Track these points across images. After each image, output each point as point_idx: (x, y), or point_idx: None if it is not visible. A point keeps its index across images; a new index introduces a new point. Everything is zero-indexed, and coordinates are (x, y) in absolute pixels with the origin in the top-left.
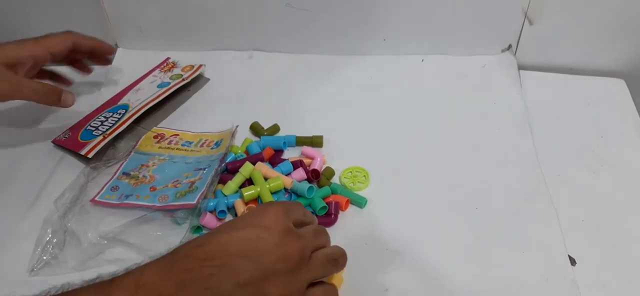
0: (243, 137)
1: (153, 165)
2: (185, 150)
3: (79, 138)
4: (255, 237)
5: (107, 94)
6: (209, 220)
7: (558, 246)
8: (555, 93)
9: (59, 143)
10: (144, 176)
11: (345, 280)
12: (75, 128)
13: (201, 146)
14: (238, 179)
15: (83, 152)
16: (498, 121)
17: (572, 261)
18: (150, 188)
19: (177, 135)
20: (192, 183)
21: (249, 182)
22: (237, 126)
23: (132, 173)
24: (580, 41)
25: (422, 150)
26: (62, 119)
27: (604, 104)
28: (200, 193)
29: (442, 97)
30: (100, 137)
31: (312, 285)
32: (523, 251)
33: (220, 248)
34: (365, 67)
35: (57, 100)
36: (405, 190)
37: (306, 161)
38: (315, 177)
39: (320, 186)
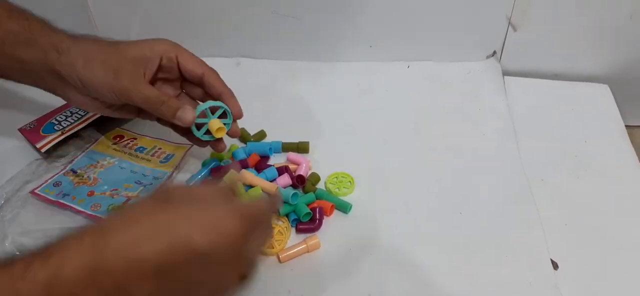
0: (229, 143)
1: (100, 167)
2: (136, 156)
3: (41, 131)
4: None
5: None
6: None
7: (541, 250)
8: (539, 99)
9: (23, 133)
10: (88, 177)
11: (330, 283)
12: (41, 119)
13: (153, 155)
14: None
15: (38, 145)
16: (483, 126)
17: (555, 265)
18: (89, 192)
19: (135, 138)
20: (128, 198)
21: None
22: (191, 146)
23: (79, 171)
24: (564, 47)
25: (408, 156)
26: (35, 108)
27: (587, 109)
28: None
29: (428, 103)
30: (59, 133)
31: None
32: (506, 255)
33: (150, 255)
34: (352, 73)
35: (171, 115)
36: (390, 195)
37: (292, 167)
38: (300, 182)
39: (305, 191)
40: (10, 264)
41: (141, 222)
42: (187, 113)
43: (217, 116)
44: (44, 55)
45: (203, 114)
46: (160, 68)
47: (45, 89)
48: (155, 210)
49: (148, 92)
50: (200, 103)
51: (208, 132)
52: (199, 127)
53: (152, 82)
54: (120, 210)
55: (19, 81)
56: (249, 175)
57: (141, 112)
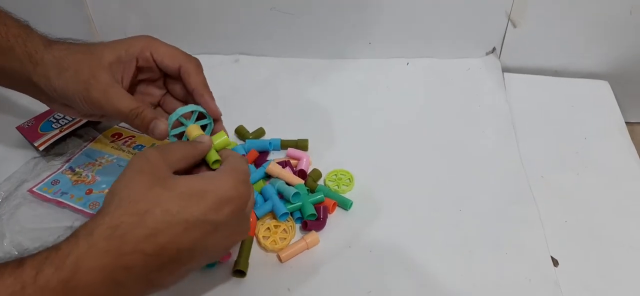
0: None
1: (99, 166)
2: (135, 154)
3: (39, 129)
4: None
5: None
6: None
7: (541, 247)
8: (539, 96)
9: (21, 131)
10: (86, 175)
11: (330, 281)
12: (39, 117)
13: None
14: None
15: (36, 144)
16: (482, 123)
17: (555, 263)
18: (87, 190)
19: (134, 136)
20: None
21: None
22: None
23: (77, 169)
24: (564, 43)
25: (407, 153)
26: (33, 107)
27: (587, 106)
28: None
29: (427, 100)
30: (57, 131)
31: None
32: (506, 253)
33: (169, 243)
34: (351, 70)
35: (144, 128)
36: (389, 192)
37: (292, 162)
38: (301, 177)
39: (306, 187)
40: (18, 267)
41: (153, 213)
42: (159, 126)
43: (193, 120)
44: (20, 66)
45: (178, 123)
46: (138, 70)
47: (31, 96)
48: (161, 194)
49: (120, 104)
50: (182, 106)
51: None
52: (179, 136)
53: (133, 85)
54: (117, 196)
55: (7, 87)
56: (276, 168)
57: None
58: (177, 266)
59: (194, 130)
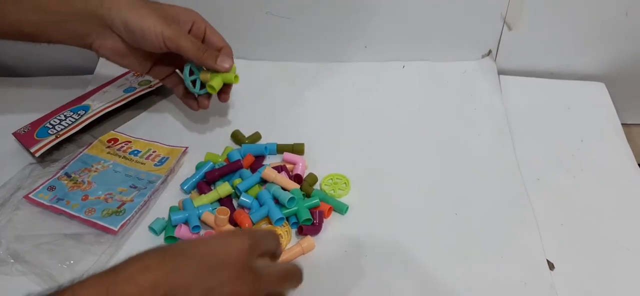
0: (224, 145)
1: (95, 171)
2: (131, 159)
3: (35, 135)
4: (208, 270)
5: (76, 93)
6: (184, 234)
7: (537, 250)
8: (535, 98)
9: (17, 137)
10: (82, 181)
11: (325, 286)
12: (35, 123)
13: (147, 158)
14: (212, 196)
15: (33, 150)
16: (478, 126)
17: (551, 266)
18: (83, 196)
19: (130, 142)
20: (123, 203)
21: (222, 201)
22: (186, 147)
23: (73, 175)
24: (559, 45)
25: (403, 157)
26: (29, 112)
27: (584, 108)
28: (126, 219)
29: (423, 103)
30: (53, 137)
31: None
32: (502, 256)
33: (165, 278)
34: (347, 73)
35: (213, 60)
36: (385, 196)
37: (288, 166)
38: (297, 182)
39: (302, 191)
40: None
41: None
42: (226, 61)
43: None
44: (83, 3)
45: (190, 72)
46: (188, 32)
47: (77, 44)
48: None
49: (194, 39)
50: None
51: (203, 86)
52: (193, 84)
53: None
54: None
55: (48, 39)
56: (272, 173)
57: (164, 74)
58: None
59: (207, 74)
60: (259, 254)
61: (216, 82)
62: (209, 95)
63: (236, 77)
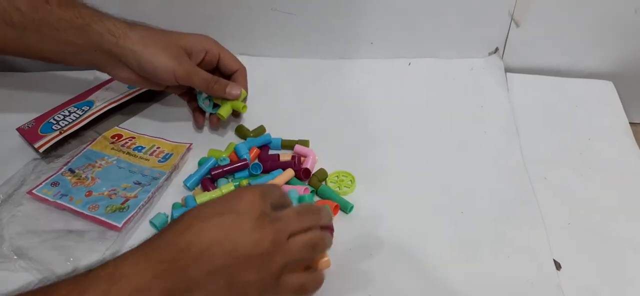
0: (229, 140)
1: (99, 167)
2: (135, 155)
3: (39, 131)
4: (230, 224)
5: (81, 88)
6: None
7: (543, 250)
8: (542, 96)
9: (21, 132)
10: (86, 176)
11: (330, 284)
12: (39, 119)
13: (151, 154)
14: (215, 194)
15: (37, 146)
16: (485, 124)
17: (557, 266)
18: (87, 192)
19: (134, 137)
20: (126, 199)
21: None
22: (190, 144)
23: (76, 171)
24: (567, 43)
25: (409, 154)
26: (33, 108)
27: (591, 106)
28: (129, 216)
29: (429, 101)
30: (57, 133)
31: (293, 270)
32: (508, 255)
33: (195, 239)
34: (352, 70)
35: (223, 91)
36: (391, 194)
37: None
38: (305, 176)
39: (310, 186)
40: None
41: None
42: (235, 89)
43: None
44: (99, 39)
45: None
46: (202, 61)
47: (92, 68)
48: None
49: (204, 75)
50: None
51: (216, 105)
52: (206, 103)
53: None
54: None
55: (67, 63)
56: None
57: (178, 91)
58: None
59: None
60: (270, 203)
61: (225, 111)
62: (218, 119)
63: (244, 107)
